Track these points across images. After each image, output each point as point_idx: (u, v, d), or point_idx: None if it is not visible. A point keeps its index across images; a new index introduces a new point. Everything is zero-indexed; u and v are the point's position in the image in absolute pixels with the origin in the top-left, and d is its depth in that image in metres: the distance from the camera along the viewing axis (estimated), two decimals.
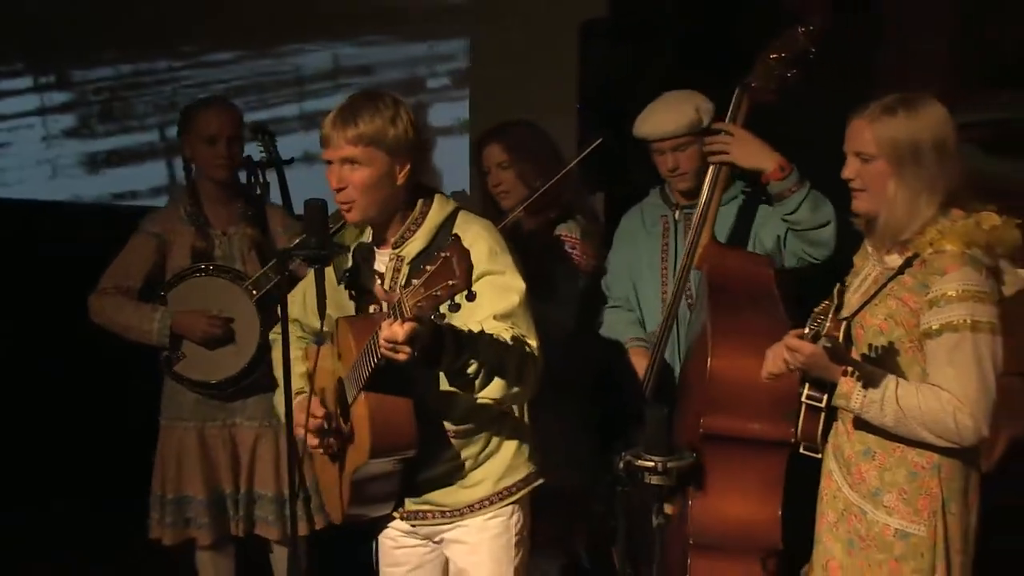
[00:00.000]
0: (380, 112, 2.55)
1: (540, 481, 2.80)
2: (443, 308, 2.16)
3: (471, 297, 2.15)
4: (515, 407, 2.73)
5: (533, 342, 2.53)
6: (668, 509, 2.84)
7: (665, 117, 3.27)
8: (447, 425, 2.67)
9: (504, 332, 2.48)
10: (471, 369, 2.41)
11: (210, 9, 4.34)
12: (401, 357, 2.29)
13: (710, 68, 3.69)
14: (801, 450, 2.62)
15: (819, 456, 2.60)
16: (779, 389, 2.64)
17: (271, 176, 3.96)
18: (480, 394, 2.47)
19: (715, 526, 2.89)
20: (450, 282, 2.12)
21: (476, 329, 2.45)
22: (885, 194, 2.46)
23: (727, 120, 3.14)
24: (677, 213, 3.35)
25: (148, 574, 3.80)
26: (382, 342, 2.29)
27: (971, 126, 3.94)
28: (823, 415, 2.56)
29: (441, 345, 2.34)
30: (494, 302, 2.52)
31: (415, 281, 2.17)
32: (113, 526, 3.71)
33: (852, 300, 2.56)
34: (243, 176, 3.72)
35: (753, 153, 3.10)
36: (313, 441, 2.68)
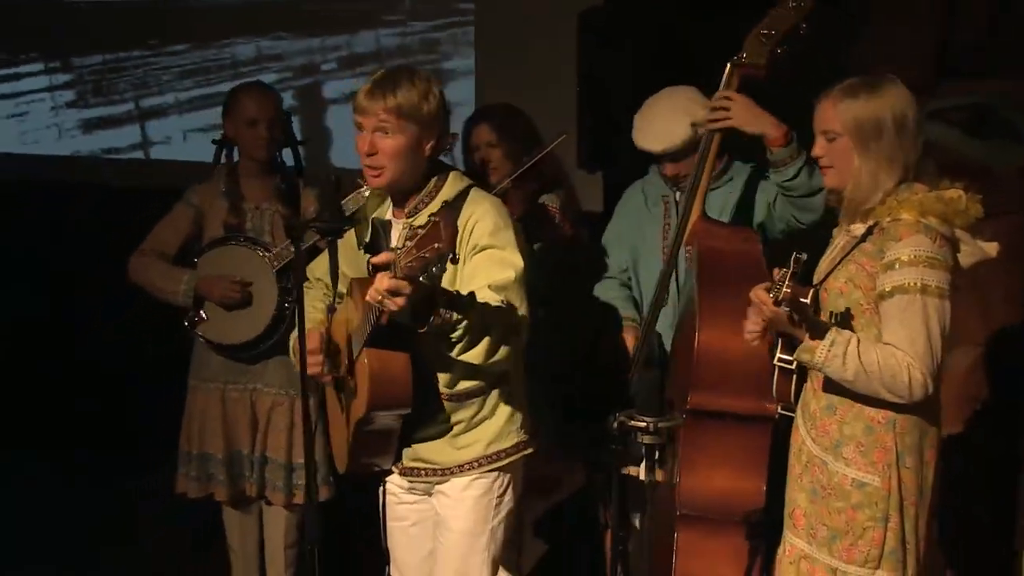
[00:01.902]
0: (416, 86, 2.66)
1: (530, 450, 2.87)
2: (434, 269, 2.26)
3: (455, 260, 2.27)
4: (512, 377, 2.80)
5: (521, 316, 2.63)
6: (659, 475, 2.88)
7: (662, 133, 3.29)
8: (442, 388, 2.75)
9: (494, 302, 2.56)
10: (458, 331, 2.51)
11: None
12: (390, 306, 2.37)
13: (705, 56, 3.73)
14: (780, 410, 2.74)
15: (794, 416, 2.68)
16: (762, 365, 2.71)
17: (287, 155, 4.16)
18: (463, 356, 2.56)
19: (701, 498, 2.98)
20: (436, 244, 2.22)
21: (473, 296, 2.53)
22: (851, 169, 2.56)
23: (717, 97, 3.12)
24: (678, 194, 3.38)
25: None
26: (372, 292, 2.40)
27: (951, 110, 4.05)
28: (795, 377, 2.65)
29: (432, 304, 2.43)
30: (491, 274, 2.62)
31: (408, 243, 2.29)
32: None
33: (822, 267, 2.66)
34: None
35: (755, 118, 3.09)
36: (313, 364, 2.74)
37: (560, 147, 3.64)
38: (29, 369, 5.48)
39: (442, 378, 2.75)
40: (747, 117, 3.11)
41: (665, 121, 3.30)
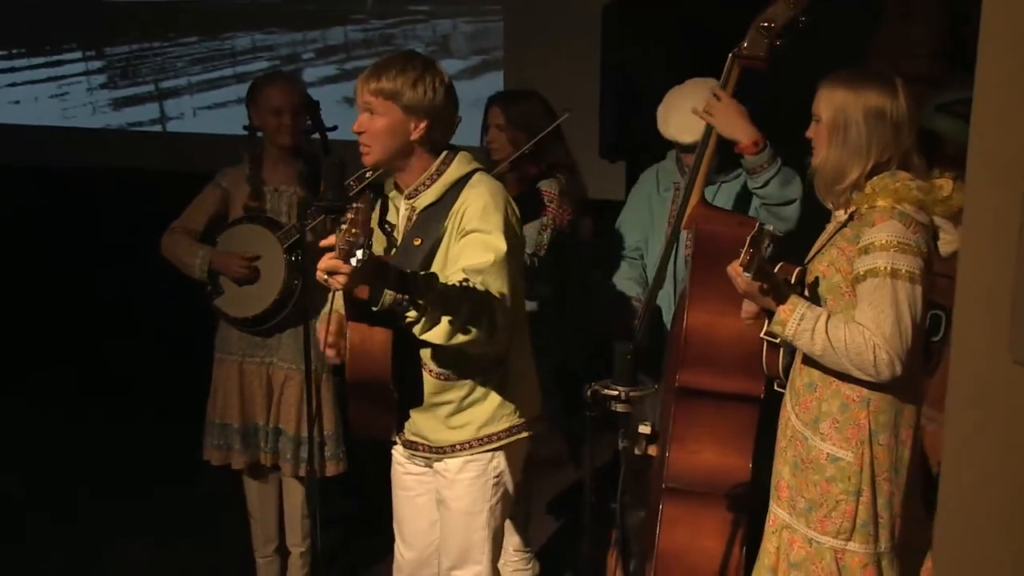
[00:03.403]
0: (405, 73, 2.70)
1: (525, 434, 2.90)
2: (359, 252, 2.31)
3: (367, 246, 2.33)
4: (509, 361, 2.81)
5: (497, 299, 2.62)
6: (651, 450, 2.97)
7: (684, 126, 3.33)
8: (428, 366, 2.80)
9: (463, 283, 2.58)
10: (412, 312, 2.54)
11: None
12: (333, 284, 2.45)
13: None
14: (775, 387, 2.80)
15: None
16: (750, 346, 2.79)
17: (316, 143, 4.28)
18: (424, 336, 2.57)
19: (688, 473, 3.04)
20: (354, 229, 2.31)
21: (447, 279, 2.57)
22: (823, 153, 2.64)
23: (720, 85, 3.17)
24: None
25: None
26: (318, 271, 2.48)
27: (957, 103, 4.10)
28: (781, 351, 2.74)
29: (384, 282, 2.49)
30: (471, 257, 2.65)
31: (343, 225, 2.35)
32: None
33: (812, 251, 2.73)
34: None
35: (731, 123, 3.15)
36: (330, 353, 2.80)
37: (577, 135, 3.72)
38: None
39: (426, 356, 2.80)
40: (723, 121, 3.16)
41: (688, 116, 3.31)
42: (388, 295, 2.54)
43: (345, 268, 2.40)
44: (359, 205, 2.35)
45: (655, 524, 3.05)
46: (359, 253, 2.33)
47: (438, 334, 2.58)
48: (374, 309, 2.57)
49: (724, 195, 3.39)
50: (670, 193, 3.51)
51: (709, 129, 3.21)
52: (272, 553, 3.98)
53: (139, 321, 5.97)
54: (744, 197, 3.41)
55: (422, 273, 2.56)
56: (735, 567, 3.02)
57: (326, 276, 2.47)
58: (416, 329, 2.58)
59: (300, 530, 3.92)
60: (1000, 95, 1.37)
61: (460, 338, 2.59)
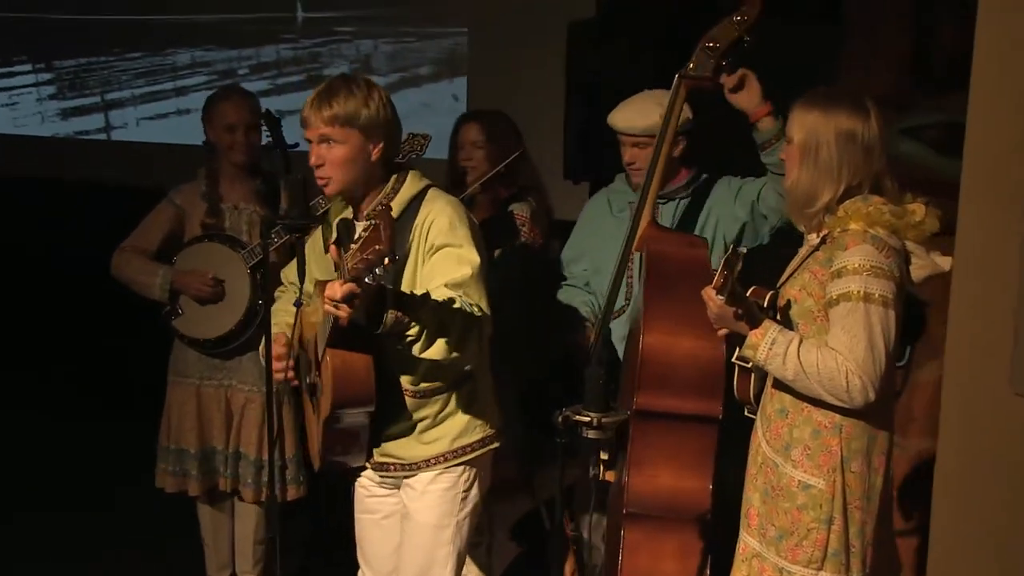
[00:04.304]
0: (353, 94, 2.66)
1: (496, 444, 2.91)
2: (378, 270, 2.29)
3: (395, 259, 2.29)
4: (477, 373, 2.83)
5: (480, 312, 2.63)
6: (609, 476, 2.90)
7: (634, 115, 3.37)
8: (406, 386, 2.79)
9: (451, 299, 2.58)
10: (412, 331, 2.52)
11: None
12: (341, 315, 2.43)
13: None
14: (746, 412, 2.78)
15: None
16: (707, 367, 2.78)
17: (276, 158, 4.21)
18: (423, 355, 2.57)
19: (649, 497, 2.99)
20: (376, 246, 2.26)
21: (427, 295, 2.56)
22: (794, 174, 2.62)
23: (667, 107, 3.13)
24: None
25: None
26: (326, 301, 2.45)
27: (923, 127, 4.12)
28: (752, 376, 2.72)
29: (383, 306, 2.46)
30: (448, 271, 2.64)
31: (354, 246, 2.33)
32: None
33: (785, 274, 2.71)
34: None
35: (753, 92, 3.09)
36: (289, 374, 2.80)
37: (542, 156, 3.69)
38: None
39: (405, 376, 2.78)
40: (748, 89, 3.10)
41: (638, 108, 3.37)
42: (391, 316, 2.50)
43: (357, 292, 2.37)
44: (376, 222, 2.29)
45: (617, 550, 3.01)
46: (378, 271, 2.29)
47: (438, 350, 2.57)
48: (377, 332, 2.52)
49: (668, 213, 3.39)
50: (626, 214, 3.47)
51: (658, 151, 3.18)
52: None
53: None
54: (690, 214, 3.40)
55: (413, 293, 2.55)
56: None
57: (335, 306, 2.42)
58: (416, 348, 2.55)
59: (252, 556, 3.86)
60: (994, 122, 1.36)
61: (458, 352, 2.60)
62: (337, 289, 2.41)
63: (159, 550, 4.34)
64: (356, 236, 2.36)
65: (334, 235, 2.78)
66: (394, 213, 2.72)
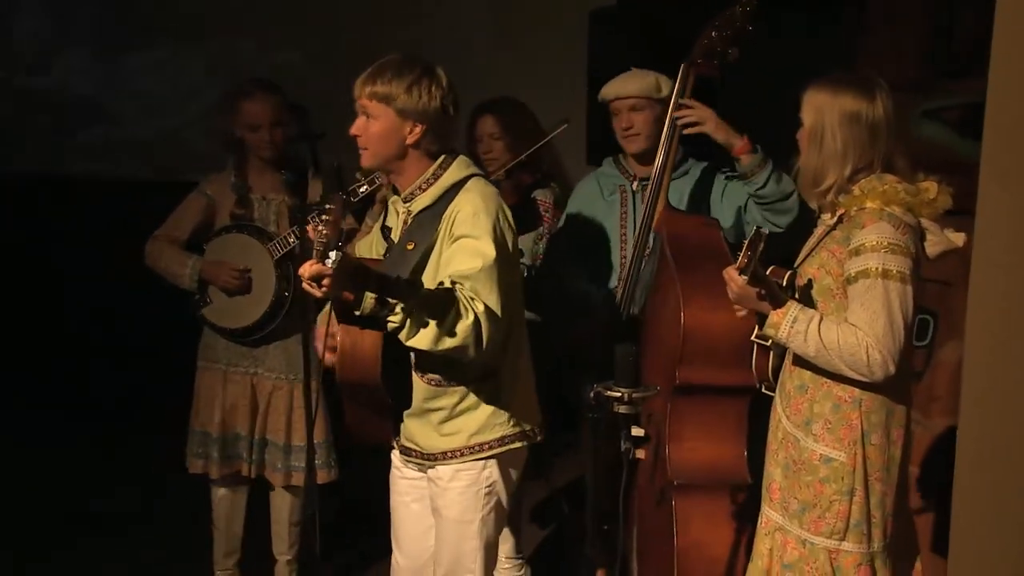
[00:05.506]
0: (401, 77, 2.69)
1: (519, 444, 2.86)
2: (332, 253, 2.33)
3: (336, 247, 2.34)
4: (503, 370, 2.79)
5: (483, 305, 2.59)
6: (640, 453, 2.90)
7: (627, 81, 3.44)
8: (417, 372, 2.79)
9: (448, 290, 2.55)
10: (395, 317, 2.51)
11: None
12: (316, 293, 2.46)
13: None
14: (763, 389, 2.82)
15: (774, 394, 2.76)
16: (740, 339, 2.82)
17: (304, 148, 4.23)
18: (409, 342, 2.55)
19: (691, 467, 3.07)
20: (324, 231, 2.33)
21: (415, 281, 2.55)
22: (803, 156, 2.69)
23: (675, 95, 3.24)
24: (635, 183, 3.48)
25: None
26: (303, 280, 2.47)
27: (945, 109, 4.13)
28: (772, 354, 2.76)
29: (364, 286, 2.47)
30: (459, 262, 2.63)
31: (320, 227, 2.35)
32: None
33: (802, 254, 2.75)
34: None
35: (724, 128, 3.24)
36: (329, 355, 2.78)
37: (564, 142, 3.72)
38: None
39: (417, 362, 2.79)
40: (716, 125, 3.25)
41: (630, 76, 3.46)
42: (370, 299, 2.51)
43: (329, 271, 2.39)
44: (330, 206, 2.36)
45: (670, 525, 3.06)
46: (332, 255, 2.33)
47: (423, 339, 2.56)
48: (357, 313, 2.56)
49: (672, 193, 3.42)
50: (616, 196, 3.53)
51: (669, 141, 3.26)
52: (232, 567, 3.95)
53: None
54: (693, 195, 3.46)
55: (405, 278, 2.53)
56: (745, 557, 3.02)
57: (311, 283, 2.46)
58: (401, 335, 2.56)
59: (288, 538, 3.91)
60: (1013, 103, 1.39)
61: (446, 343, 2.57)
62: (306, 268, 2.45)
63: (161, 539, 4.40)
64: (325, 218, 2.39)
65: (389, 218, 2.89)
66: (430, 199, 2.76)
